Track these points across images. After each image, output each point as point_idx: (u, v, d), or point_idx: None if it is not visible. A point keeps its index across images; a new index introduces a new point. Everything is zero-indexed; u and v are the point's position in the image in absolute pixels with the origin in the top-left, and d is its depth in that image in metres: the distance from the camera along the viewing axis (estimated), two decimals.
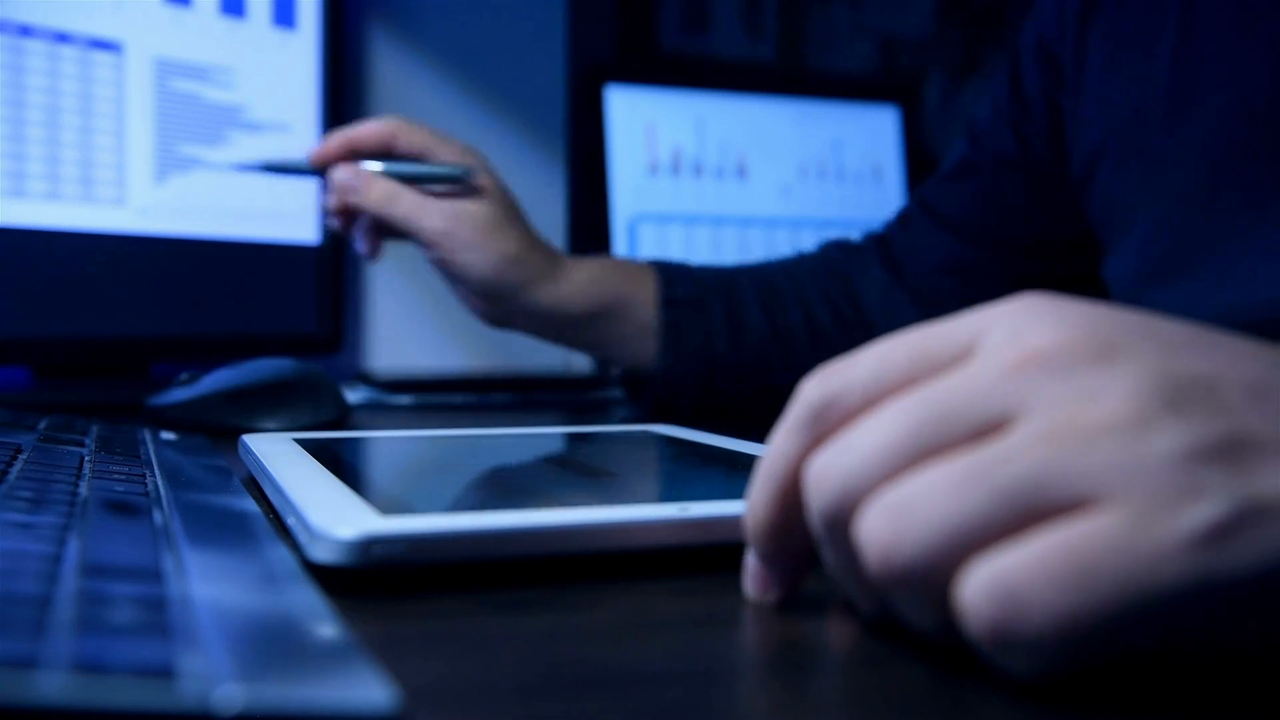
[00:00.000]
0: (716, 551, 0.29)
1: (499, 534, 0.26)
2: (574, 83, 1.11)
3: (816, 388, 0.23)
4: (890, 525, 0.20)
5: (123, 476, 0.35)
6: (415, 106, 1.03)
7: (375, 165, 0.64)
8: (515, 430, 0.50)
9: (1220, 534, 0.18)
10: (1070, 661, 0.19)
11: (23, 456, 0.36)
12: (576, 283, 0.68)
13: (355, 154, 0.64)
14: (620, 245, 1.09)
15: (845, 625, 0.24)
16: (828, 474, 0.22)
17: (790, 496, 0.24)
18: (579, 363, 1.02)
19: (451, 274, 0.66)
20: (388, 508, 0.28)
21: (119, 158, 0.78)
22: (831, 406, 0.23)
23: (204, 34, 0.82)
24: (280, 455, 0.37)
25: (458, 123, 1.05)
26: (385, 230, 0.67)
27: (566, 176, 1.09)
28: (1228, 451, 0.19)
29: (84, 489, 0.32)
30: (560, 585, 0.26)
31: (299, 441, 0.41)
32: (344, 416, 0.65)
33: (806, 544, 0.24)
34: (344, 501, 0.29)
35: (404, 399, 0.82)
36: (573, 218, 1.09)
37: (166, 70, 0.80)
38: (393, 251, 1.04)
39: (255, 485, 0.38)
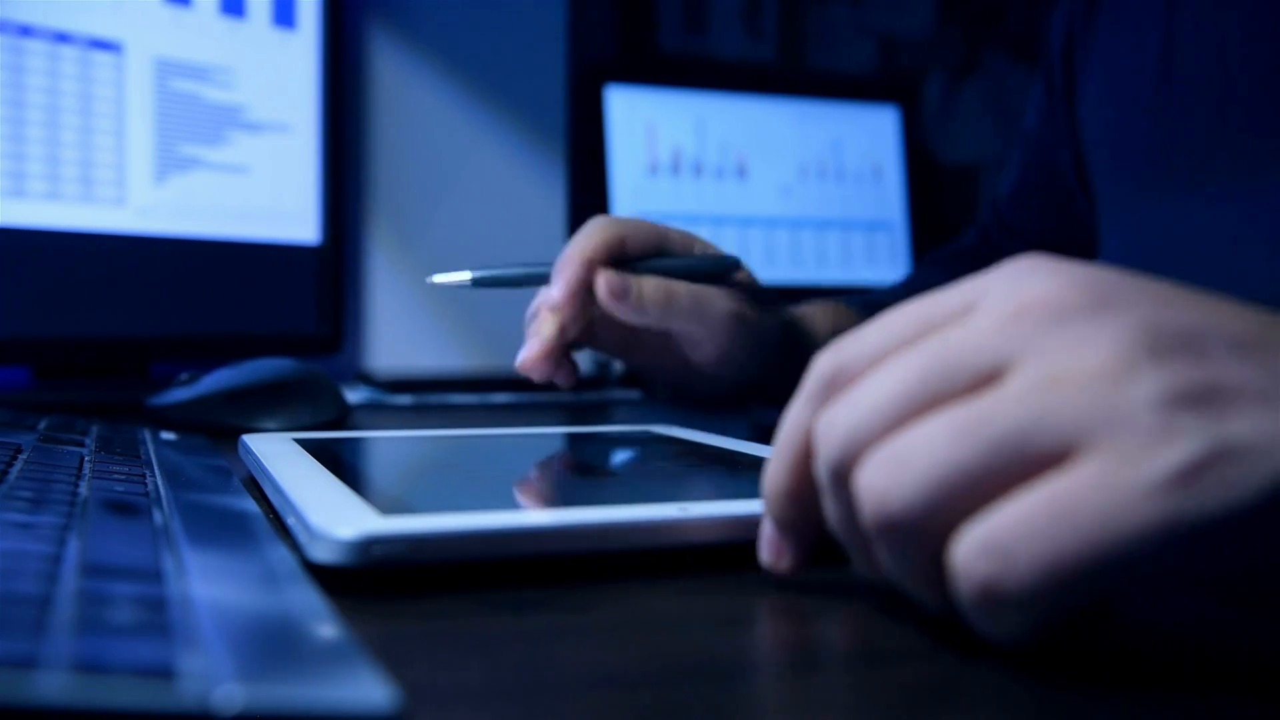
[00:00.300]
0: (717, 551, 0.29)
1: (499, 534, 0.26)
2: (574, 83, 1.11)
3: (828, 359, 0.24)
4: (885, 474, 0.21)
5: (123, 476, 0.35)
6: (415, 106, 1.03)
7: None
8: (515, 430, 0.50)
9: (1191, 476, 0.19)
10: (1057, 616, 0.20)
11: (23, 456, 0.36)
12: (823, 333, 0.60)
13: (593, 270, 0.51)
14: None
15: (846, 626, 0.24)
16: (834, 426, 0.23)
17: (805, 463, 0.24)
18: (578, 363, 1.02)
19: (720, 363, 0.53)
20: (388, 508, 0.28)
21: (119, 158, 0.78)
22: (840, 373, 0.24)
23: (204, 34, 0.82)
24: (280, 455, 0.37)
25: (458, 123, 1.05)
26: (592, 342, 0.56)
27: (566, 176, 1.09)
28: (1204, 397, 0.19)
29: (84, 489, 0.32)
30: (560, 585, 0.26)
31: (299, 441, 0.41)
32: (344, 416, 0.65)
33: (820, 512, 0.25)
34: (344, 501, 0.29)
35: (404, 399, 0.82)
36: (573, 218, 1.09)
37: (166, 70, 0.80)
38: (393, 251, 1.05)
39: (255, 485, 0.38)
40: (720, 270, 0.53)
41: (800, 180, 1.18)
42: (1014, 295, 0.22)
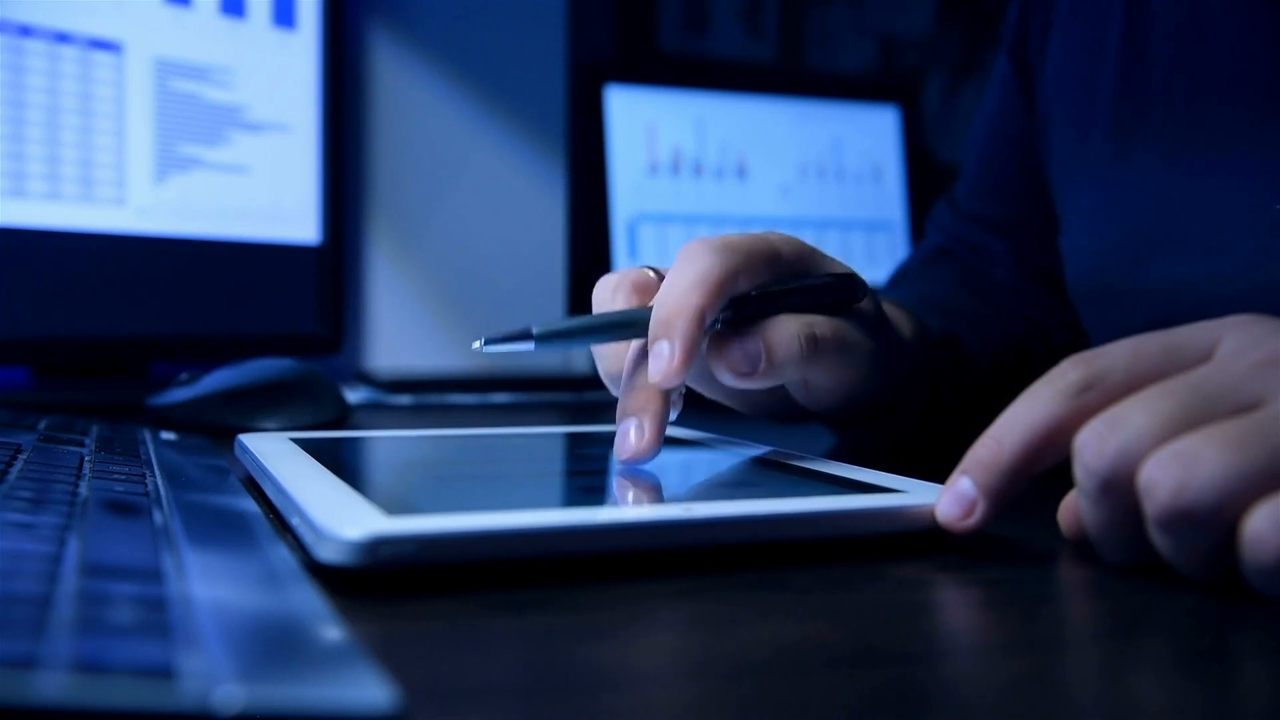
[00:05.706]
0: (719, 552, 0.29)
1: (508, 534, 0.26)
2: (574, 83, 1.11)
3: (1078, 368, 0.28)
4: (1176, 472, 0.24)
5: (123, 476, 0.35)
6: (415, 106, 1.03)
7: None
8: (515, 430, 0.50)
9: None
10: None
11: (23, 456, 0.36)
12: (908, 337, 0.54)
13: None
14: (620, 245, 1.09)
15: (843, 629, 0.24)
16: (1106, 440, 0.26)
17: (1040, 449, 0.28)
18: (579, 363, 1.03)
19: (848, 382, 0.44)
20: (393, 508, 0.28)
21: (119, 158, 0.78)
22: (1095, 384, 0.28)
23: (204, 34, 0.82)
24: (280, 455, 0.37)
25: (458, 123, 1.05)
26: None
27: (566, 176, 1.09)
28: None
29: (84, 489, 0.32)
30: (560, 585, 0.26)
31: (296, 441, 0.41)
32: (344, 416, 0.65)
33: (1018, 493, 0.29)
34: (350, 502, 0.29)
35: (404, 399, 0.82)
36: (573, 218, 1.09)
37: (166, 70, 0.80)
38: (393, 251, 1.05)
39: (252, 485, 0.38)
40: (846, 298, 0.43)
41: (800, 180, 1.18)
42: (1256, 345, 0.27)
